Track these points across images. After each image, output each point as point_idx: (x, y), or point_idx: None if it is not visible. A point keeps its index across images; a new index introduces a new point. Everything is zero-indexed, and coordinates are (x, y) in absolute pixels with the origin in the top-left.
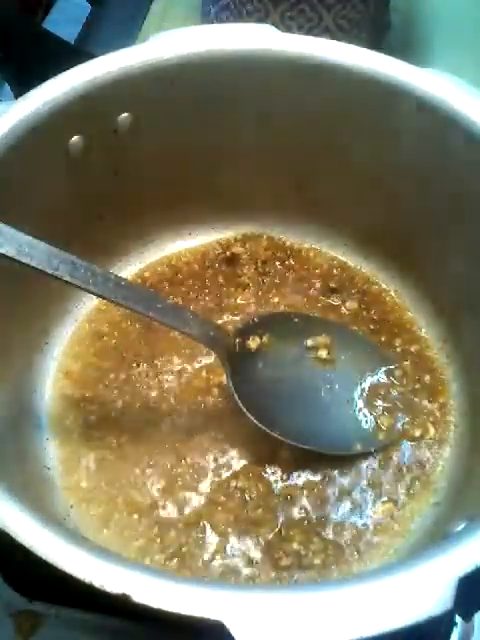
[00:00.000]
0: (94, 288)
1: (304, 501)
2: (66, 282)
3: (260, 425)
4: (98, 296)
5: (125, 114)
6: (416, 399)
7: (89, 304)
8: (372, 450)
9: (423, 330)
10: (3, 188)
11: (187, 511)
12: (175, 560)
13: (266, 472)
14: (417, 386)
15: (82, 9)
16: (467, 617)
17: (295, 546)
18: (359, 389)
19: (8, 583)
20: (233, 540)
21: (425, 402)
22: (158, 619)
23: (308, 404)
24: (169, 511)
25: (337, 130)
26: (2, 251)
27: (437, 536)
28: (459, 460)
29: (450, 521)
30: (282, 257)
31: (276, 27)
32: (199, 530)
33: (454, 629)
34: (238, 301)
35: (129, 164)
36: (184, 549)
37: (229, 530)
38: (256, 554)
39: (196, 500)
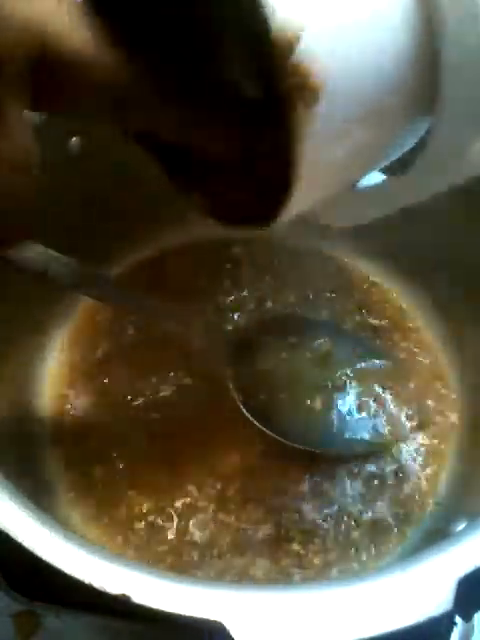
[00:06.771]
0: (93, 291)
1: (304, 501)
2: (65, 285)
3: (260, 426)
4: (97, 299)
5: None
6: (416, 399)
7: (89, 305)
8: (372, 451)
9: (423, 331)
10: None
11: (187, 512)
12: (174, 561)
13: (266, 472)
14: (417, 386)
15: None
16: (467, 617)
17: (295, 546)
18: (359, 390)
19: (8, 583)
20: (233, 540)
21: (425, 402)
22: (158, 619)
23: (308, 405)
24: (168, 512)
25: None
26: (1, 254)
27: (437, 536)
28: (459, 460)
29: (450, 521)
30: (282, 257)
31: None
32: (199, 531)
33: (454, 629)
34: (238, 301)
35: (129, 164)
36: (183, 550)
37: (228, 530)
38: (256, 554)
39: (196, 501)
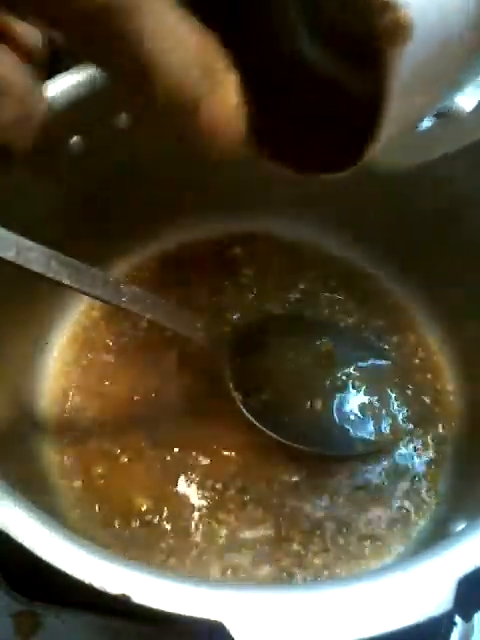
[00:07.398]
0: (93, 291)
1: (304, 501)
2: (65, 285)
3: (260, 426)
4: (97, 299)
5: (125, 114)
6: (416, 399)
7: (89, 305)
8: (372, 451)
9: (423, 330)
10: (2, 188)
11: (186, 512)
12: (174, 561)
13: (266, 473)
14: (417, 386)
15: None
16: (467, 617)
17: (295, 546)
18: (359, 390)
19: (8, 583)
20: (233, 540)
21: (425, 402)
22: (158, 619)
23: (308, 405)
24: (168, 512)
25: None
26: (1, 254)
27: (437, 536)
28: (459, 460)
29: (450, 521)
30: (282, 257)
31: None
32: (199, 531)
33: (454, 629)
34: (238, 301)
35: (129, 164)
36: (183, 550)
37: (228, 530)
38: (256, 554)
39: (195, 501)
